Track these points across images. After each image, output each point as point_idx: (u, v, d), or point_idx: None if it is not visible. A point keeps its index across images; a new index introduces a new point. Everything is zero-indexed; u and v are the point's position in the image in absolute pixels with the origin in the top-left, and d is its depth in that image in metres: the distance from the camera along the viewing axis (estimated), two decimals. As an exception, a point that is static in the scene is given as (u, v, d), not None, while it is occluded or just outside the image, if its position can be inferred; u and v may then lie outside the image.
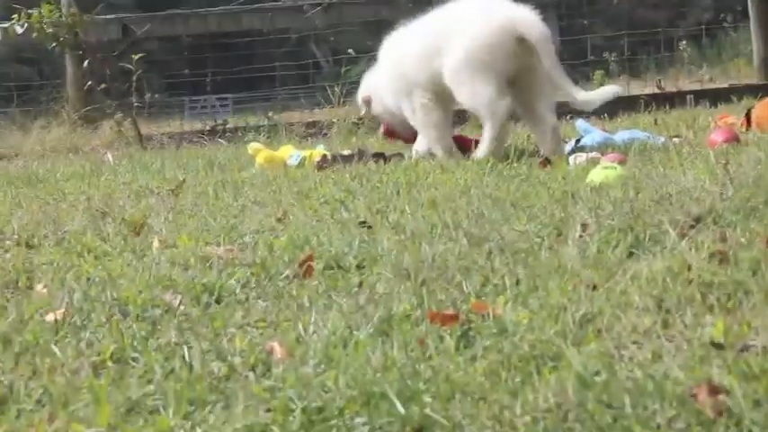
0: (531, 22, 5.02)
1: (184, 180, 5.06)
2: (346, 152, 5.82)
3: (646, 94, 9.42)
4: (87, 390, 1.98)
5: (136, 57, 8.77)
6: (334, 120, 8.83)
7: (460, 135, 5.82)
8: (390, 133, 5.89)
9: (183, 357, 2.15)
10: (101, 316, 2.51)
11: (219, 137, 9.03)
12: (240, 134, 8.88)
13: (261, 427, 1.78)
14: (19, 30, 8.85)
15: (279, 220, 3.63)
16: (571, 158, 4.75)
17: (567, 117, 6.85)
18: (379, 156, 5.50)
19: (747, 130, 5.64)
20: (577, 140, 5.52)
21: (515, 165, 4.64)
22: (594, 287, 2.37)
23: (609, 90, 5.27)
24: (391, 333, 2.21)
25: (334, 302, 2.48)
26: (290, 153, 5.83)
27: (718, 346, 1.93)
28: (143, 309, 2.55)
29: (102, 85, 9.04)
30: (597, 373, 1.85)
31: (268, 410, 1.83)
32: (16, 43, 10.42)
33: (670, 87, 10.70)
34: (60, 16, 8.93)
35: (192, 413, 1.87)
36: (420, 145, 5.52)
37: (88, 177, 5.82)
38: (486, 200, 3.64)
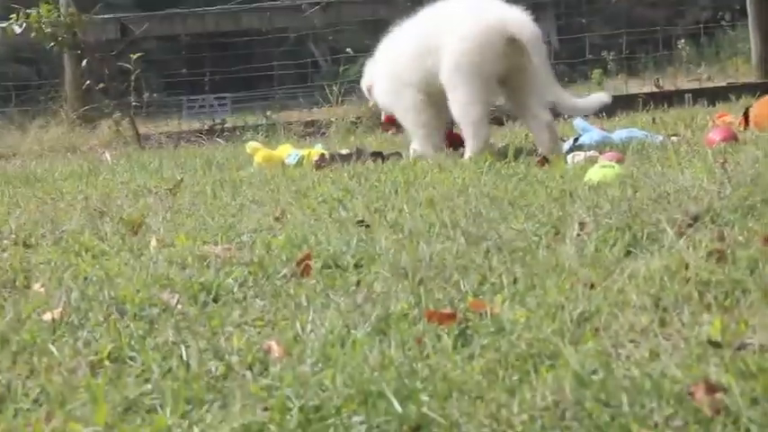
0: (521, 22, 5.02)
1: (182, 179, 5.05)
2: (344, 151, 5.82)
3: (644, 93, 9.42)
4: (84, 389, 1.98)
5: (134, 56, 8.77)
6: (333, 119, 8.84)
7: (455, 132, 5.81)
8: (392, 121, 5.88)
9: (181, 356, 2.15)
10: (98, 315, 2.51)
11: (218, 136, 9.03)
12: (238, 133, 8.88)
13: (258, 425, 1.78)
14: (17, 29, 8.85)
15: (277, 219, 3.63)
16: (569, 157, 4.75)
17: (565, 116, 6.84)
18: (377, 155, 5.50)
19: (745, 128, 5.63)
20: (575, 139, 5.52)
21: (513, 164, 4.64)
22: (592, 286, 2.37)
23: (597, 98, 5.28)
24: (389, 332, 2.21)
25: (331, 301, 2.48)
26: (288, 152, 5.83)
27: (715, 345, 1.93)
28: (140, 308, 2.55)
29: (101, 85, 9.04)
30: (594, 372, 1.85)
31: (265, 409, 1.83)
32: (15, 43, 10.42)
33: (668, 86, 10.69)
34: (59, 16, 8.93)
35: (190, 412, 1.87)
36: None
37: (86, 177, 5.82)
38: (483, 199, 3.64)
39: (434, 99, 5.24)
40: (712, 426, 1.63)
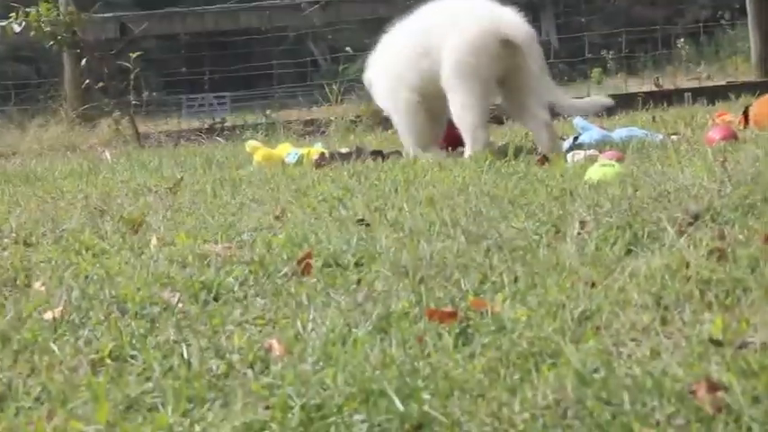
0: (515, 24, 5.02)
1: (182, 178, 5.05)
2: (344, 150, 5.83)
3: (644, 92, 9.41)
4: (86, 387, 1.98)
5: (133, 55, 8.77)
6: (332, 118, 8.84)
7: (455, 132, 5.81)
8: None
9: (182, 355, 2.15)
10: (99, 314, 2.51)
11: (217, 135, 9.02)
12: (238, 132, 8.88)
13: (259, 424, 1.78)
14: (17, 28, 8.84)
15: (277, 217, 3.63)
16: (569, 156, 4.75)
17: (565, 115, 6.84)
18: (377, 153, 5.50)
19: (745, 127, 5.63)
20: (575, 138, 5.52)
21: (513, 162, 4.64)
22: (593, 284, 2.37)
23: (598, 100, 5.28)
24: (390, 330, 2.21)
25: (332, 300, 2.48)
26: (287, 151, 5.83)
27: (716, 343, 1.93)
28: (141, 306, 2.55)
29: (100, 84, 9.04)
30: (596, 371, 1.85)
31: (267, 408, 1.83)
32: (14, 42, 10.40)
33: (668, 85, 10.69)
34: (58, 15, 8.92)
35: (191, 410, 1.87)
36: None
37: (86, 175, 5.81)
38: (484, 197, 3.64)
39: (430, 101, 5.23)
40: (713, 424, 1.63)
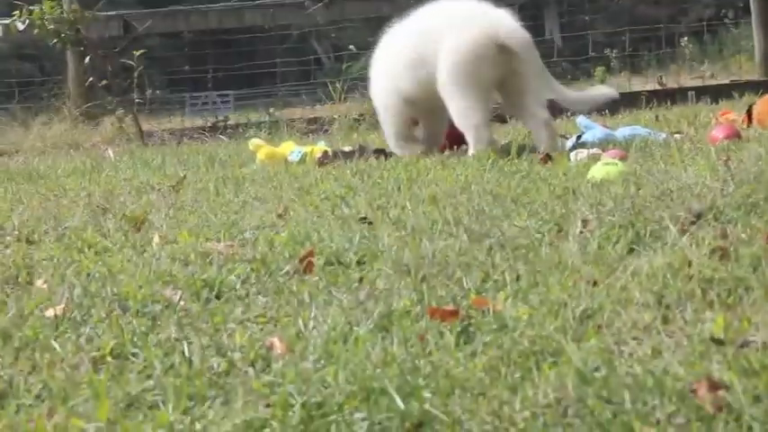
0: (510, 29, 5.01)
1: (185, 176, 5.06)
2: (347, 148, 5.82)
3: (647, 91, 9.42)
4: (87, 385, 1.98)
5: (137, 53, 8.78)
6: (336, 116, 8.85)
7: (456, 130, 5.81)
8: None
9: (183, 353, 2.15)
10: (101, 311, 2.51)
11: (220, 133, 9.03)
12: (241, 130, 8.89)
13: (260, 422, 1.78)
14: (20, 26, 8.86)
15: (279, 216, 3.63)
16: (572, 154, 4.74)
17: (568, 113, 6.84)
18: (379, 152, 5.50)
19: (748, 126, 5.63)
20: (578, 137, 5.52)
21: (516, 161, 4.64)
22: (595, 283, 2.37)
23: (602, 91, 5.27)
24: (391, 329, 2.21)
25: (334, 298, 2.48)
26: (291, 149, 5.83)
27: (718, 342, 1.93)
28: (143, 304, 2.55)
29: (104, 82, 9.05)
30: (597, 369, 1.85)
31: (267, 406, 1.83)
32: (17, 40, 10.43)
33: (671, 84, 10.69)
34: (62, 13, 8.94)
35: (192, 408, 1.87)
36: (422, 140, 5.54)
37: (89, 173, 5.82)
38: (486, 196, 3.64)
39: (430, 101, 5.21)
40: (714, 423, 1.63)
